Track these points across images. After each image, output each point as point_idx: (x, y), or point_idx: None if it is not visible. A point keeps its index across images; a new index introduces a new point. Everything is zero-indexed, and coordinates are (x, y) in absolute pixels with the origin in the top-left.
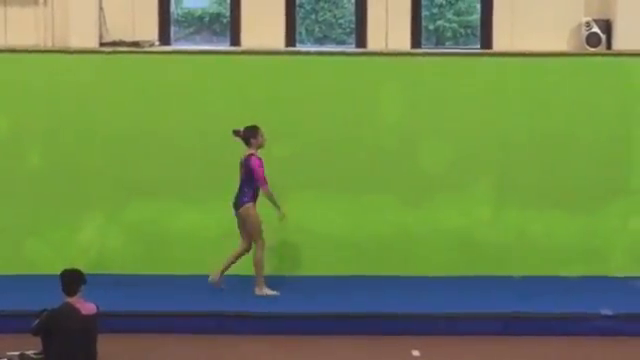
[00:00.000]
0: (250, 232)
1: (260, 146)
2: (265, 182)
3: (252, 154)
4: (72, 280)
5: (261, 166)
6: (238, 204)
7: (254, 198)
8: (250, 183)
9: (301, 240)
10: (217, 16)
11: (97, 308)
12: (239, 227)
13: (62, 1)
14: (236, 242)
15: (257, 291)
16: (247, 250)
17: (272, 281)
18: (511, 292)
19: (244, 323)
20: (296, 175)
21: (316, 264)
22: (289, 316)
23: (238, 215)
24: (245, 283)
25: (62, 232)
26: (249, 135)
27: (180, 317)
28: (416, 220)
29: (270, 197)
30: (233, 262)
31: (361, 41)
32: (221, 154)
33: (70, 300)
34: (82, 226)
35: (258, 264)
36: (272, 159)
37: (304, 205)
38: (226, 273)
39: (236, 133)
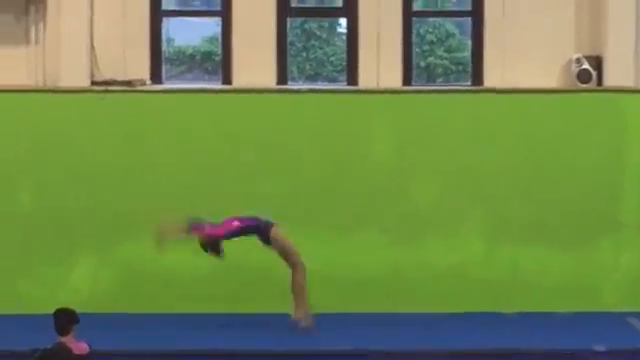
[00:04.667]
0: (283, 255)
1: None
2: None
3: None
4: (65, 320)
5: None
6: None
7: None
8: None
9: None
10: (209, 54)
11: (89, 347)
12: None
13: (54, 40)
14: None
15: (295, 314)
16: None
17: (260, 319)
18: (504, 329)
19: None
20: (286, 212)
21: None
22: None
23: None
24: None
25: (54, 272)
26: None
27: (172, 357)
28: (407, 257)
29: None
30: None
31: (352, 79)
32: (212, 192)
33: (63, 339)
34: (74, 265)
35: (296, 287)
36: (262, 196)
37: (293, 242)
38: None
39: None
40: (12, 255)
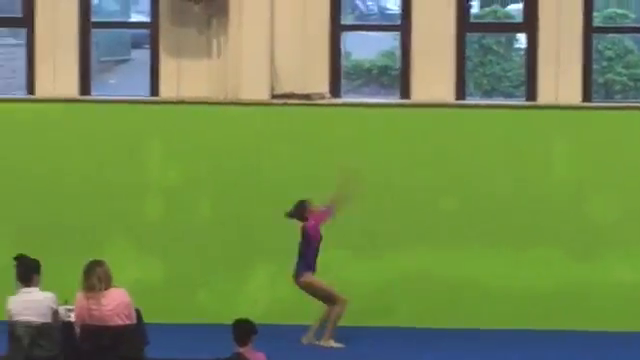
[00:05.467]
0: (323, 297)
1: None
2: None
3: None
4: (244, 330)
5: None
6: (296, 275)
7: (311, 266)
8: (307, 249)
9: (467, 293)
10: (385, 69)
11: (266, 359)
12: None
13: (235, 54)
14: (404, 291)
15: (323, 342)
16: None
17: (436, 334)
18: None
19: None
20: (463, 229)
21: (481, 317)
22: None
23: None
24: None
25: (232, 283)
26: (300, 213)
27: None
28: (585, 274)
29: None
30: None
31: (531, 94)
32: (386, 206)
33: (241, 350)
34: (251, 277)
35: (333, 317)
36: (439, 212)
37: (470, 258)
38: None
39: (289, 215)
40: (191, 265)
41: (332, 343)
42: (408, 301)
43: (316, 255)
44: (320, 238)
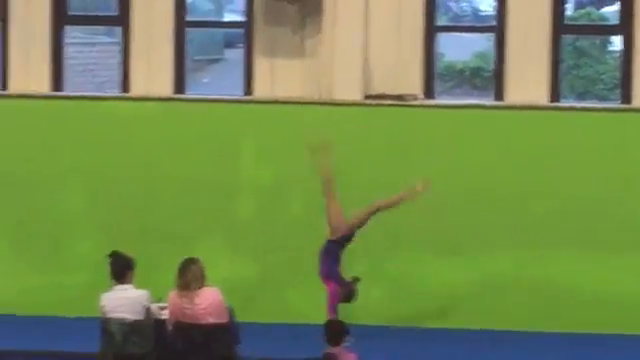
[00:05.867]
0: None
1: None
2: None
3: None
4: (336, 330)
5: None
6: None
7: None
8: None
9: (557, 296)
10: (478, 70)
11: (358, 359)
12: None
13: (329, 53)
14: (494, 294)
15: None
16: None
17: (527, 337)
18: None
19: None
20: (555, 232)
21: (571, 320)
22: None
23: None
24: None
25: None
26: None
27: None
28: None
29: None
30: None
31: (626, 97)
32: (477, 207)
33: (333, 350)
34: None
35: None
36: (530, 215)
37: (562, 261)
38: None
39: None
40: (283, 264)
41: None
42: (496, 304)
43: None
44: None
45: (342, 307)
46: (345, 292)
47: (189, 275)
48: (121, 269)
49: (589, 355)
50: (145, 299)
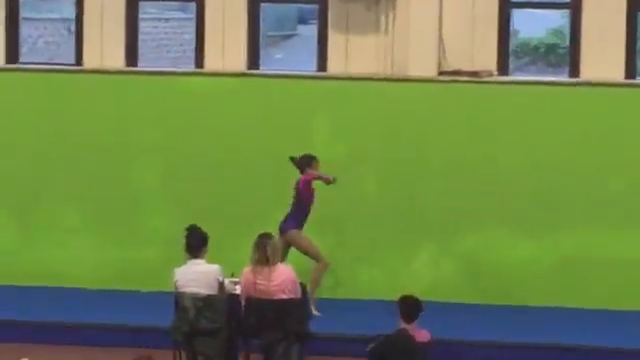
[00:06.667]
0: (309, 255)
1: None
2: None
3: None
4: (411, 307)
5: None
6: (282, 229)
7: (300, 224)
8: (298, 207)
9: (632, 274)
10: (553, 47)
11: (431, 336)
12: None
13: (403, 30)
14: (572, 272)
15: None
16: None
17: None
18: None
19: None
20: (632, 210)
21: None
22: None
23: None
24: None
25: (396, 259)
26: (304, 164)
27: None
28: None
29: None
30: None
31: None
32: (555, 185)
33: (406, 327)
34: (417, 253)
35: (311, 281)
36: (607, 193)
37: (636, 239)
38: None
39: (292, 160)
40: (356, 240)
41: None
42: (571, 282)
43: (307, 215)
44: (312, 200)
45: (414, 283)
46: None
47: (268, 250)
48: (197, 243)
49: None
50: (218, 273)
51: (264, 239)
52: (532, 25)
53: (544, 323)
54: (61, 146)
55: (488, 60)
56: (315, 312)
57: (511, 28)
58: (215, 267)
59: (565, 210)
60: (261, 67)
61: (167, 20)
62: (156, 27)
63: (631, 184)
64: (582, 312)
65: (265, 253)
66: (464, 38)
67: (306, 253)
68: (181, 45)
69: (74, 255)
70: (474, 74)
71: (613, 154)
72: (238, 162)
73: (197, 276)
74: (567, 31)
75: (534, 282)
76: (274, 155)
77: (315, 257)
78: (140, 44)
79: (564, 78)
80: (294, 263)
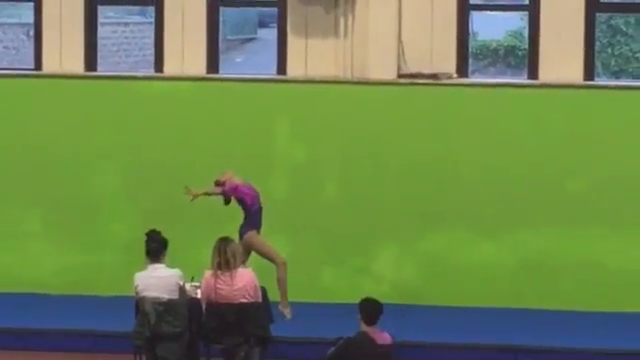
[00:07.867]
0: (265, 257)
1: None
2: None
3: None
4: (372, 310)
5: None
6: (240, 233)
7: (255, 226)
8: (246, 213)
9: (592, 275)
10: (512, 49)
11: (392, 338)
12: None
13: (362, 33)
14: (531, 273)
15: (280, 308)
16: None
17: (563, 316)
18: None
19: None
20: (590, 211)
21: (606, 299)
22: None
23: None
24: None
25: (356, 261)
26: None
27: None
28: None
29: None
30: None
31: None
32: (515, 187)
33: (367, 329)
34: (376, 257)
35: (279, 283)
36: (566, 194)
37: (597, 240)
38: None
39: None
40: (316, 243)
41: (286, 311)
42: (531, 283)
43: (259, 219)
44: (256, 205)
45: (375, 286)
46: None
47: (228, 253)
48: (157, 248)
49: (622, 334)
50: (178, 278)
51: (224, 243)
52: (491, 27)
53: (505, 324)
54: (21, 151)
55: (447, 62)
56: (288, 315)
57: (470, 30)
58: (175, 271)
59: (525, 211)
60: (221, 71)
61: (127, 24)
62: (115, 31)
63: (591, 185)
64: (543, 313)
65: (225, 256)
66: (423, 41)
67: (261, 254)
68: (141, 49)
69: (34, 260)
70: (433, 76)
71: (573, 155)
72: (198, 166)
73: (157, 281)
74: (526, 33)
75: (495, 283)
76: (235, 159)
77: (270, 257)
78: (100, 48)
79: (523, 80)
80: (254, 266)
